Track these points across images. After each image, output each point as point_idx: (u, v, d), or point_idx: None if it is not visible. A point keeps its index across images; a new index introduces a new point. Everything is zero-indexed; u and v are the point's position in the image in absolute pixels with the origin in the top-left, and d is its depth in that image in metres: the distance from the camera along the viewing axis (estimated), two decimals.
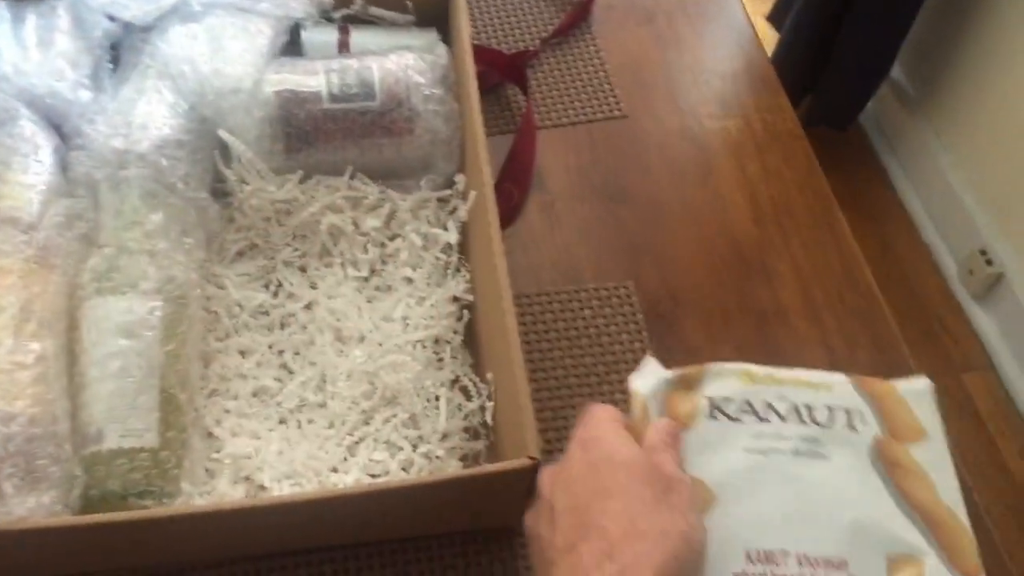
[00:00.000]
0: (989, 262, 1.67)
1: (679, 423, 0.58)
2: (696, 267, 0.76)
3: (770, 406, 0.59)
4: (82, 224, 0.62)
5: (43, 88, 0.66)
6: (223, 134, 0.66)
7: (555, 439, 0.67)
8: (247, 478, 0.60)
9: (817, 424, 0.58)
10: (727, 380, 0.60)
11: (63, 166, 0.64)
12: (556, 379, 0.70)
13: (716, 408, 0.58)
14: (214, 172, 0.69)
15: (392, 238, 0.71)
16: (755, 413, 0.58)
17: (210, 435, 0.62)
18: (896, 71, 1.91)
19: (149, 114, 0.66)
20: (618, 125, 0.84)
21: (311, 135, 0.68)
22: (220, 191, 0.69)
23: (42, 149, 0.64)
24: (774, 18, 1.91)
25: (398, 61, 0.71)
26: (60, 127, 0.66)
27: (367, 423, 0.64)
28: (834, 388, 0.60)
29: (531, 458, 0.53)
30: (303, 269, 0.70)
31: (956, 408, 1.64)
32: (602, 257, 0.76)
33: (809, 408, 0.59)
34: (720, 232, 0.78)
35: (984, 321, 1.71)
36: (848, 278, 0.76)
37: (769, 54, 1.87)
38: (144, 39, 0.70)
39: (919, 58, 1.87)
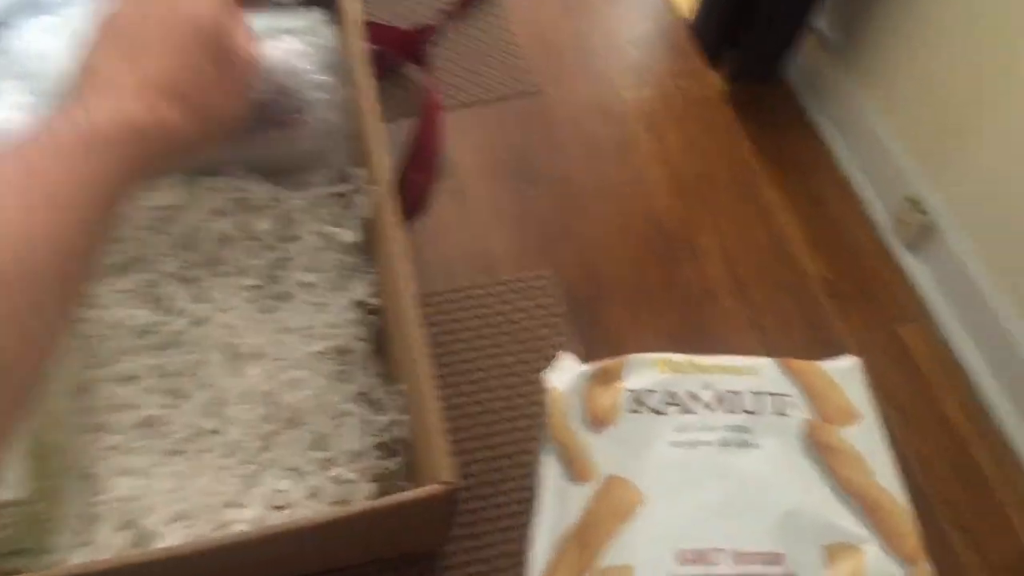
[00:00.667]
0: (920, 211, 1.66)
1: (598, 419, 0.54)
2: (617, 249, 0.72)
3: (694, 396, 0.55)
4: None
5: None
6: None
7: (476, 448, 0.62)
8: (133, 523, 0.54)
9: (745, 412, 0.54)
10: (648, 371, 0.56)
11: None
12: (473, 382, 0.65)
13: (638, 401, 0.55)
14: None
15: (287, 241, 0.65)
16: (679, 404, 0.55)
17: (90, 477, 0.56)
18: (820, 22, 1.88)
19: (5, 120, 0.59)
20: (530, 101, 0.79)
21: None
22: None
23: None
24: None
25: (281, 47, 0.65)
26: None
27: (268, 449, 0.58)
28: (760, 373, 0.56)
29: (444, 483, 0.48)
30: (190, 281, 0.64)
31: (894, 361, 1.64)
32: (517, 245, 0.71)
33: (735, 395, 0.55)
34: (641, 210, 0.74)
35: (918, 271, 1.71)
36: (776, 252, 0.72)
37: (693, 11, 1.84)
38: None
39: (841, 7, 1.84)
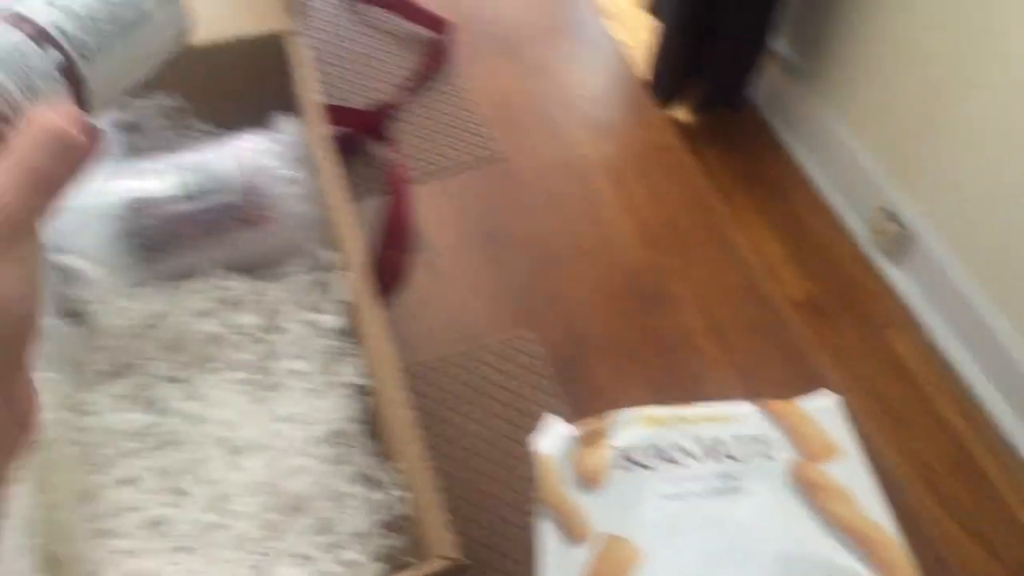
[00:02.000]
0: (895, 220, 1.69)
1: (589, 479, 0.55)
2: (594, 305, 0.74)
3: (680, 448, 0.57)
4: None
5: None
6: (68, 259, 0.62)
7: (474, 514, 0.64)
8: None
9: (731, 459, 0.56)
10: (633, 427, 0.58)
11: None
12: (464, 448, 0.67)
13: (626, 458, 0.56)
14: (62, 294, 0.64)
15: (272, 332, 0.67)
16: (666, 457, 0.56)
17: None
18: (780, 44, 1.92)
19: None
20: (495, 168, 0.82)
21: (168, 242, 0.64)
22: (74, 311, 0.64)
23: None
24: (655, 9, 1.91)
25: (248, 147, 0.67)
26: None
27: (275, 538, 0.60)
28: (742, 419, 0.58)
29: (446, 558, 0.50)
30: (181, 381, 0.65)
31: (886, 368, 1.66)
32: (497, 309, 0.73)
33: (720, 443, 0.57)
34: (613, 264, 0.76)
35: (900, 279, 1.73)
36: (748, 292, 0.74)
37: (654, 44, 1.88)
38: None
39: (798, 27, 1.89)
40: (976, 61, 1.45)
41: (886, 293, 1.76)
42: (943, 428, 1.60)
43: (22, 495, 0.55)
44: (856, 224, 1.82)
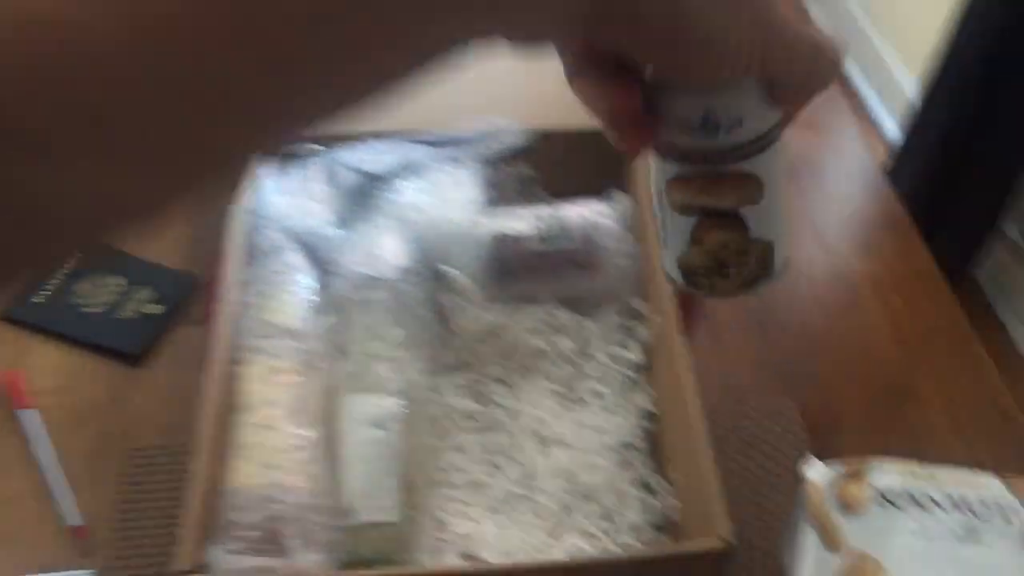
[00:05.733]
0: None
1: (849, 506, 0.66)
2: (847, 389, 0.85)
3: (931, 498, 0.67)
4: (338, 336, 0.76)
5: (302, 227, 0.81)
6: (447, 269, 0.80)
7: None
8: (469, 555, 0.70)
9: (974, 515, 0.66)
10: (891, 474, 0.68)
11: (321, 289, 0.79)
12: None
13: (883, 497, 0.67)
14: (434, 298, 0.82)
15: (584, 358, 0.82)
16: (917, 504, 0.66)
17: (435, 518, 0.72)
18: (1009, 226, 1.98)
19: (388, 248, 0.80)
20: None
21: (518, 271, 0.82)
22: (440, 312, 0.82)
23: (305, 275, 0.78)
24: (893, 174, 2.02)
25: (589, 208, 0.85)
26: (317, 258, 0.81)
27: (567, 515, 0.73)
28: (987, 486, 0.68)
29: (721, 538, 0.62)
30: (507, 383, 0.82)
31: None
32: (763, 378, 0.86)
33: (966, 501, 0.66)
34: (867, 358, 0.87)
35: None
36: (990, 401, 0.84)
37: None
38: (379, 187, 0.85)
39: None
40: None
41: None
42: None
43: (397, 434, 0.71)
44: None
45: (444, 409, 0.79)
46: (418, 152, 0.86)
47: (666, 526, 0.73)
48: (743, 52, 0.32)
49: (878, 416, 0.83)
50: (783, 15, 0.32)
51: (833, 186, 1.04)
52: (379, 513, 0.68)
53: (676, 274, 0.44)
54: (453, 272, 0.80)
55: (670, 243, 0.43)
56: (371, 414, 0.71)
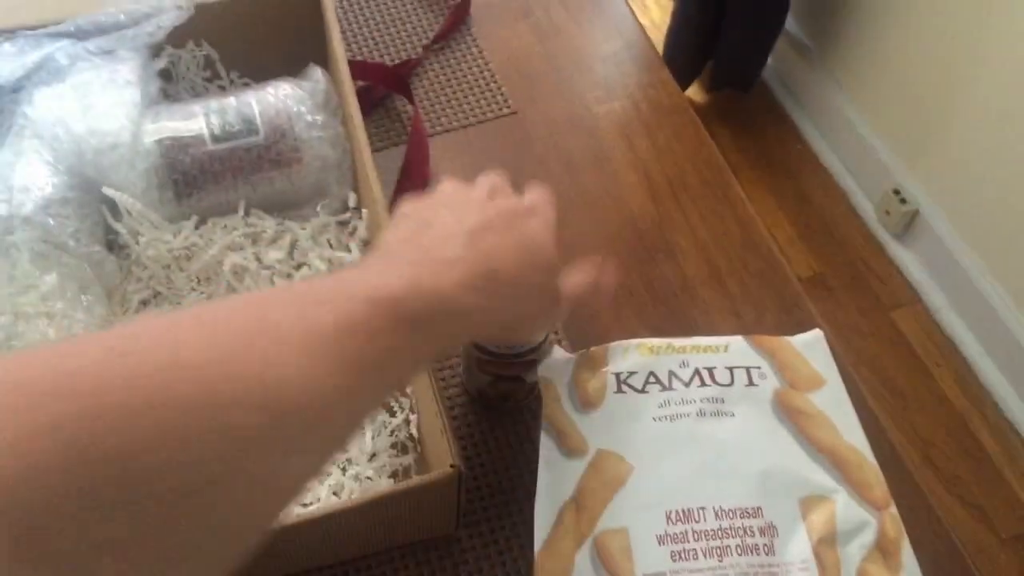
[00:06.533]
0: (903, 200, 1.72)
1: (587, 401, 0.60)
2: (599, 253, 0.77)
3: (673, 374, 0.61)
4: None
5: None
6: (109, 191, 0.66)
7: (480, 441, 0.68)
8: None
9: (718, 384, 0.60)
10: (629, 355, 0.62)
11: None
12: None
13: (622, 382, 0.61)
14: (105, 225, 0.69)
15: (297, 267, 0.71)
16: (659, 382, 0.61)
17: None
18: (791, 24, 1.95)
19: (29, 176, 0.66)
20: (508, 122, 0.86)
21: (199, 178, 0.69)
22: (115, 243, 0.69)
23: None
24: None
25: (276, 92, 0.71)
26: None
27: None
28: (731, 349, 0.62)
29: (452, 466, 0.54)
30: None
31: (890, 346, 1.69)
32: None
33: (710, 370, 0.61)
34: (618, 215, 0.80)
35: (906, 257, 1.76)
36: (748, 243, 0.78)
37: (667, 26, 1.91)
38: (14, 100, 0.70)
39: (812, 9, 1.91)
40: (985, 43, 1.48)
41: (892, 272, 1.79)
42: (944, 404, 1.63)
43: None
44: (864, 204, 1.85)
45: None
46: (57, 49, 0.70)
47: (409, 444, 0.66)
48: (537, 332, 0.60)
49: (631, 280, 0.76)
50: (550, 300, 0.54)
51: (570, 23, 0.94)
52: None
53: (474, 392, 0.69)
54: (119, 196, 0.66)
55: (472, 378, 0.67)
56: None
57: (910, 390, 1.66)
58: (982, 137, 1.53)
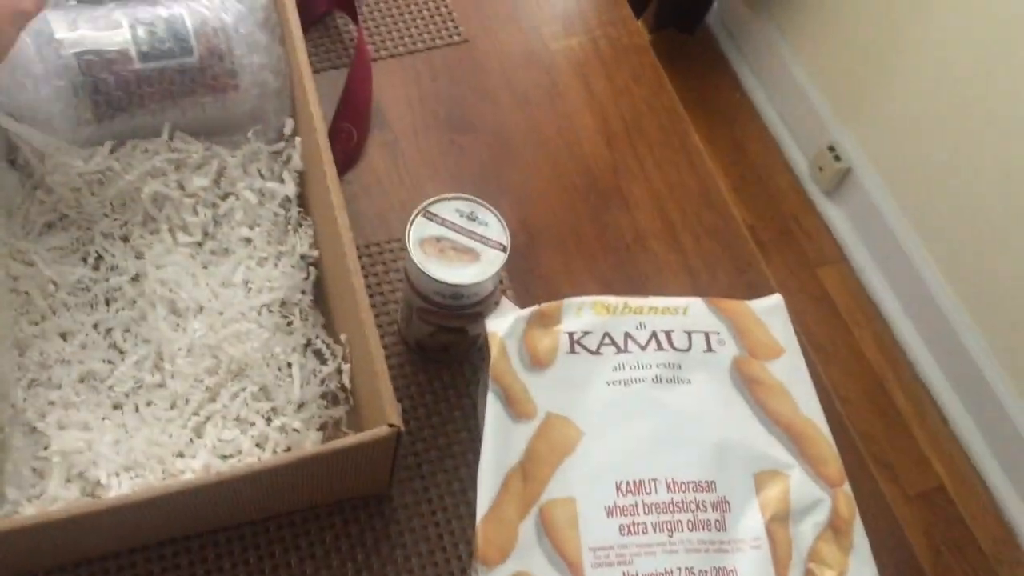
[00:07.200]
0: (837, 158, 1.71)
1: (538, 360, 0.56)
2: (549, 196, 0.73)
3: (629, 336, 0.58)
4: None
5: None
6: (3, 120, 0.58)
7: (417, 393, 0.64)
8: (81, 475, 0.54)
9: (676, 349, 0.57)
10: (584, 314, 0.58)
11: None
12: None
13: (576, 343, 0.57)
14: (8, 140, 0.61)
15: (224, 197, 0.65)
16: (615, 344, 0.57)
17: (34, 431, 0.56)
18: None
19: None
20: (458, 51, 0.80)
21: (123, 100, 0.61)
22: (16, 157, 0.62)
23: None
24: None
25: (211, 3, 0.64)
26: None
27: (213, 400, 0.59)
28: (690, 312, 0.59)
29: (391, 426, 0.50)
30: (125, 239, 0.63)
31: (813, 302, 1.70)
32: (451, 192, 0.72)
33: (667, 334, 0.58)
34: (571, 157, 0.75)
35: (836, 216, 1.77)
36: (704, 197, 0.75)
37: None
38: None
39: None
40: (930, 1, 1.47)
41: (821, 228, 1.79)
42: (862, 362, 1.66)
43: None
44: (798, 158, 1.84)
45: (37, 282, 0.60)
46: None
47: (340, 395, 0.61)
48: None
49: (582, 228, 0.72)
50: None
51: None
52: None
53: (412, 342, 0.65)
54: (14, 126, 0.59)
55: (412, 327, 0.63)
56: None
57: (830, 345, 1.67)
58: (921, 98, 1.53)
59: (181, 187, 0.64)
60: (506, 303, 0.59)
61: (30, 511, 0.52)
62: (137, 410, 0.58)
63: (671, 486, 0.52)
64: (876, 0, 1.59)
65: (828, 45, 1.73)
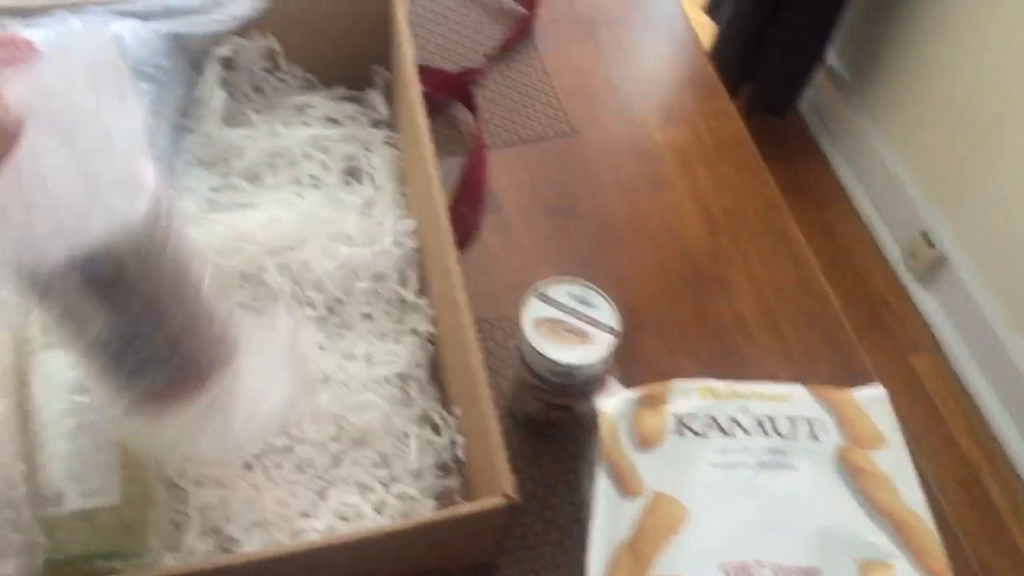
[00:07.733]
0: (931, 244, 1.71)
1: (646, 440, 0.58)
2: (652, 282, 0.76)
3: (734, 420, 0.60)
4: None
5: None
6: None
7: (524, 465, 0.67)
8: (215, 530, 0.59)
9: (780, 436, 0.59)
10: (690, 396, 0.60)
11: None
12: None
13: (682, 424, 0.59)
14: None
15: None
16: (720, 428, 0.59)
17: (175, 486, 0.60)
18: (832, 58, 1.94)
19: None
20: (567, 141, 0.84)
21: None
22: None
23: None
24: (711, 10, 1.93)
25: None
26: None
27: (336, 466, 0.63)
28: (794, 399, 0.61)
29: (506, 496, 0.53)
30: (256, 313, 0.68)
31: (905, 390, 1.68)
32: (559, 275, 0.76)
33: (772, 420, 0.60)
34: (674, 245, 0.78)
35: (928, 303, 1.75)
36: (803, 285, 0.77)
37: (707, 45, 1.90)
38: None
39: (853, 43, 1.90)
40: None
41: (913, 314, 1.77)
42: (955, 451, 1.62)
43: None
44: (890, 243, 1.83)
45: None
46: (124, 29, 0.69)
47: (453, 466, 0.64)
48: None
49: (684, 313, 0.75)
50: None
51: (635, 44, 0.92)
52: (91, 497, 0.55)
53: (521, 416, 0.68)
54: None
55: (522, 403, 0.66)
56: (73, 375, 0.57)
57: (922, 433, 1.65)
58: (1018, 185, 1.52)
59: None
60: (613, 383, 0.62)
61: (170, 561, 0.56)
62: (267, 471, 0.62)
63: (776, 570, 0.54)
64: (970, 85, 1.59)
65: (921, 130, 1.74)
